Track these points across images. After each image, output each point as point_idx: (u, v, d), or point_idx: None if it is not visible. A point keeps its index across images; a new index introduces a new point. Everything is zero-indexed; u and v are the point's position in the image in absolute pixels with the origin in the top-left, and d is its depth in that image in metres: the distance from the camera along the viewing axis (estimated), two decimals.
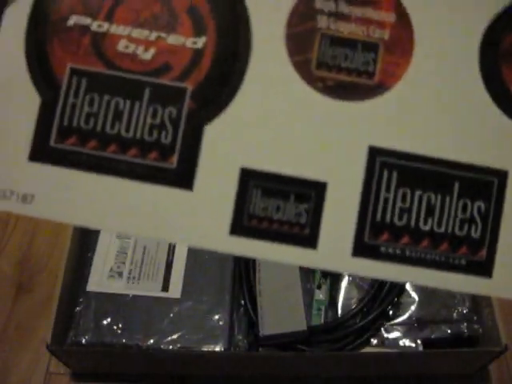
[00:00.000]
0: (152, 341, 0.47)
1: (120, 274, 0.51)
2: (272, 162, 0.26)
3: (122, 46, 0.27)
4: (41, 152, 0.27)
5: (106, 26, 0.27)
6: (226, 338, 0.47)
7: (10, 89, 0.28)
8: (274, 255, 0.26)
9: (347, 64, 0.26)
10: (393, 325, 0.48)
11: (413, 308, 0.49)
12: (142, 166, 0.27)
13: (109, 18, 0.27)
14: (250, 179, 0.26)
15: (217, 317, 0.48)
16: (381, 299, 0.48)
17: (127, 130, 0.27)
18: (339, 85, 0.26)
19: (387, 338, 0.48)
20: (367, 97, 0.26)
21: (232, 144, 0.27)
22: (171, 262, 0.51)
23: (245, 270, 0.51)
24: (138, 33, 0.27)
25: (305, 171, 0.26)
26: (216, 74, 0.27)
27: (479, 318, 0.48)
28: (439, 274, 0.25)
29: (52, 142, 0.27)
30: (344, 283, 0.50)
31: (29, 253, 0.59)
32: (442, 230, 0.25)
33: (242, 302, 0.50)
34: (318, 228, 0.26)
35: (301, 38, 0.26)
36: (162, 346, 0.47)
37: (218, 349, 0.47)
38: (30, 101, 0.27)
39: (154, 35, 0.27)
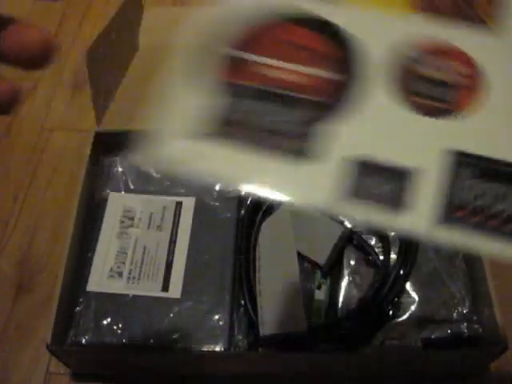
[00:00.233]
0: (152, 341, 0.47)
1: (120, 274, 0.51)
2: None
3: None
4: None
5: None
6: (225, 338, 0.48)
7: None
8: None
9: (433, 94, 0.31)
10: (393, 325, 0.48)
11: (413, 308, 0.49)
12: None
13: None
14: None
15: (217, 317, 0.48)
16: (381, 299, 0.48)
17: None
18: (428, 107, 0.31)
19: (387, 338, 0.48)
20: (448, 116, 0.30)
21: None
22: (171, 261, 0.51)
23: (245, 270, 0.51)
24: None
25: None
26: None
27: (479, 318, 0.48)
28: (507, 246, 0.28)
29: None
30: (344, 283, 0.50)
31: (29, 253, 0.59)
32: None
33: (242, 302, 0.50)
34: None
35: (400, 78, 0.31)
36: (162, 346, 0.47)
37: (218, 349, 0.47)
38: None
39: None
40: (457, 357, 0.47)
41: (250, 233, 0.52)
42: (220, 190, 0.55)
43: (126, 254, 0.52)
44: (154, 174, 0.56)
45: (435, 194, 0.28)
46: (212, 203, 0.54)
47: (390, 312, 0.48)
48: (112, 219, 0.54)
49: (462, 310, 0.48)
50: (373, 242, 0.52)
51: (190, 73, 0.32)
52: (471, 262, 0.51)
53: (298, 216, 0.52)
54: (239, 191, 0.55)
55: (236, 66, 0.31)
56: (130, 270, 0.51)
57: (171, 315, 0.49)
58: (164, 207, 0.54)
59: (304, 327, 0.46)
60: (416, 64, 0.31)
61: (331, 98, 0.30)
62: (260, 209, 0.53)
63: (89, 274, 0.51)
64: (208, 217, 0.54)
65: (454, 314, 0.48)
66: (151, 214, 0.54)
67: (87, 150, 0.55)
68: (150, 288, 0.50)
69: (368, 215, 0.28)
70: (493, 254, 0.28)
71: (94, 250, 0.52)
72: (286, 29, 0.32)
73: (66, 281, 0.49)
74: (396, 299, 0.49)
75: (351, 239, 0.52)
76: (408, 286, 0.50)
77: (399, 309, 0.49)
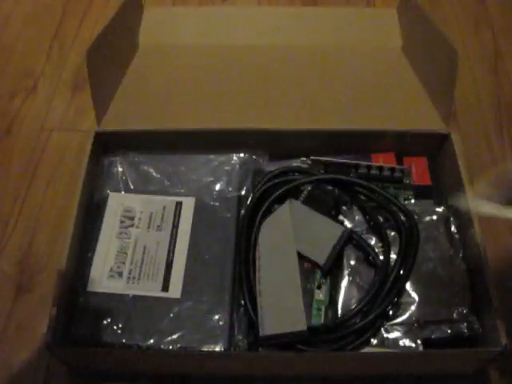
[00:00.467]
0: (152, 341, 0.47)
1: (120, 274, 0.51)
2: None
3: None
4: None
5: None
6: (226, 338, 0.47)
7: None
8: None
9: None
10: (393, 325, 0.48)
11: (413, 308, 0.49)
12: None
13: None
14: None
15: (217, 317, 0.48)
16: (381, 299, 0.48)
17: None
18: None
19: (387, 338, 0.48)
20: None
21: None
22: (171, 261, 0.51)
23: (245, 269, 0.51)
24: None
25: None
26: None
27: (479, 318, 0.48)
28: None
29: None
30: (344, 283, 0.50)
31: (29, 253, 0.59)
32: None
33: (242, 302, 0.50)
34: None
35: None
36: (161, 346, 0.47)
37: (218, 349, 0.47)
38: None
39: None
40: (457, 357, 0.47)
41: (249, 233, 0.52)
42: (220, 190, 0.55)
43: (126, 254, 0.52)
44: (154, 174, 0.56)
45: None
46: (212, 203, 0.54)
47: (390, 312, 0.49)
48: (112, 219, 0.54)
49: (462, 310, 0.48)
50: (373, 242, 0.52)
51: None
52: (471, 262, 0.51)
53: (298, 216, 0.52)
54: (239, 191, 0.55)
55: None
56: (130, 270, 0.51)
57: (171, 315, 0.49)
58: (164, 207, 0.54)
59: (304, 327, 0.46)
60: None
61: None
62: (260, 209, 0.53)
63: (89, 273, 0.51)
64: (208, 217, 0.54)
65: (454, 314, 0.48)
66: (151, 214, 0.54)
67: (87, 150, 0.55)
68: (150, 288, 0.50)
69: None
70: None
71: (93, 250, 0.52)
72: None
73: (66, 281, 0.49)
74: (396, 299, 0.49)
75: (351, 239, 0.52)
76: (408, 286, 0.50)
77: (399, 309, 0.49)
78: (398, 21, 0.67)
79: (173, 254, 0.52)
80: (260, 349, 0.48)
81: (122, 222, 0.54)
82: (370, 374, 0.51)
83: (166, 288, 0.50)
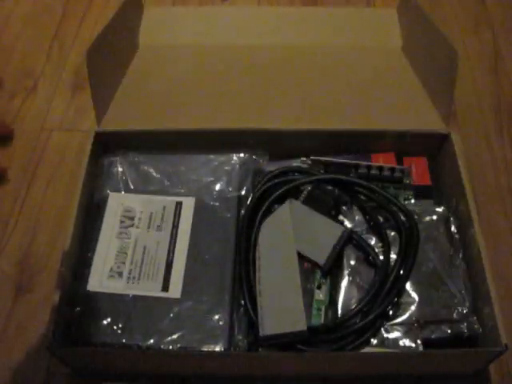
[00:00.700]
0: (152, 341, 0.47)
1: (120, 274, 0.51)
2: None
3: None
4: None
5: None
6: (226, 338, 0.47)
7: None
8: None
9: None
10: (393, 325, 0.48)
11: (413, 308, 0.49)
12: None
13: None
14: None
15: (217, 317, 0.48)
16: (381, 299, 0.48)
17: None
18: None
19: (387, 338, 0.48)
20: None
21: None
22: (171, 261, 0.51)
23: (245, 270, 0.51)
24: None
25: None
26: None
27: (479, 318, 0.48)
28: None
29: None
30: (344, 283, 0.50)
31: (29, 253, 0.59)
32: None
33: (242, 302, 0.50)
34: None
35: None
36: (161, 346, 0.47)
37: (218, 349, 0.47)
38: None
39: None
40: (457, 357, 0.47)
41: (249, 233, 0.52)
42: (220, 190, 0.55)
43: (126, 253, 0.52)
44: (154, 174, 0.56)
45: None
46: (212, 203, 0.54)
47: (390, 312, 0.49)
48: (112, 219, 0.54)
49: (462, 310, 0.48)
50: (373, 242, 0.52)
51: None
52: (471, 262, 0.51)
53: (298, 216, 0.52)
54: (239, 191, 0.55)
55: None
56: (130, 270, 0.51)
57: (171, 315, 0.49)
58: (164, 207, 0.54)
59: (304, 327, 0.46)
60: None
61: None
62: (260, 209, 0.53)
63: (89, 273, 0.51)
64: (208, 217, 0.54)
65: (454, 314, 0.48)
66: (151, 214, 0.54)
67: (87, 150, 0.55)
68: (150, 288, 0.50)
69: None
70: None
71: (94, 250, 0.52)
72: None
73: (66, 281, 0.49)
74: (396, 299, 0.49)
75: (351, 239, 0.52)
76: (408, 286, 0.50)
77: (399, 309, 0.49)
78: (398, 21, 0.67)
79: (173, 254, 0.52)
80: (260, 349, 0.48)
81: (122, 221, 0.54)
82: (370, 374, 0.51)
83: (166, 288, 0.50)
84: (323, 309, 0.49)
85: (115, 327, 0.48)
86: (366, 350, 0.47)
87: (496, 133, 0.67)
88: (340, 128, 0.58)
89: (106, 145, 0.58)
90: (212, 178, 0.56)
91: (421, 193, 0.57)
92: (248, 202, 0.54)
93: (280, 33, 0.67)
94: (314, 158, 0.58)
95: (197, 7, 0.81)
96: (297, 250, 0.50)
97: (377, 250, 0.51)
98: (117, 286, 0.50)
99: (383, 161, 0.58)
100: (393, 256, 0.51)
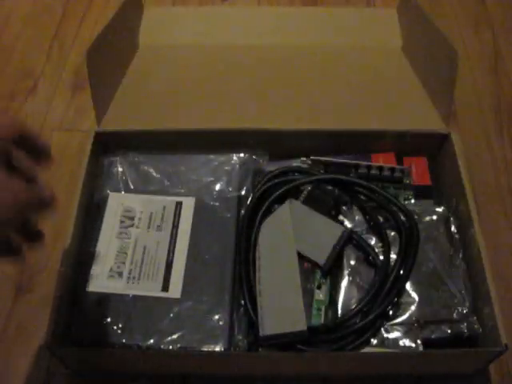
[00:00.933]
0: (152, 341, 0.47)
1: (120, 274, 0.51)
2: None
3: None
4: None
5: None
6: (226, 338, 0.47)
7: None
8: None
9: None
10: (393, 325, 0.48)
11: (413, 308, 0.49)
12: None
13: None
14: None
15: (217, 317, 0.48)
16: (381, 299, 0.48)
17: None
18: None
19: (387, 338, 0.48)
20: None
21: None
22: (171, 261, 0.51)
23: (245, 270, 0.51)
24: None
25: None
26: None
27: (479, 318, 0.48)
28: None
29: None
30: (344, 283, 0.50)
31: (29, 253, 0.58)
32: None
33: (242, 302, 0.50)
34: None
35: None
36: (161, 346, 0.47)
37: (218, 349, 0.47)
38: None
39: None
40: (457, 357, 0.47)
41: (249, 233, 0.52)
42: (220, 190, 0.55)
43: (126, 253, 0.52)
44: (154, 174, 0.56)
45: None
46: (212, 203, 0.54)
47: (390, 312, 0.49)
48: (112, 219, 0.54)
49: (462, 310, 0.48)
50: (373, 242, 0.52)
51: None
52: (471, 262, 0.51)
53: (298, 216, 0.52)
54: (239, 191, 0.55)
55: None
56: (130, 270, 0.51)
57: (171, 315, 0.49)
58: (164, 207, 0.54)
59: (304, 327, 0.46)
60: None
61: None
62: (260, 209, 0.53)
63: (89, 274, 0.51)
64: (208, 217, 0.54)
65: (454, 314, 0.48)
66: (151, 213, 0.54)
67: (87, 150, 0.55)
68: (150, 288, 0.50)
69: None
70: None
71: (94, 250, 0.52)
72: None
73: (66, 281, 0.49)
74: (396, 299, 0.49)
75: (351, 239, 0.52)
76: (408, 286, 0.50)
77: (399, 309, 0.49)
78: (398, 21, 0.67)
79: (173, 254, 0.52)
80: (260, 349, 0.48)
81: (122, 221, 0.54)
82: (370, 374, 0.51)
83: (166, 288, 0.50)
84: (323, 309, 0.49)
85: (115, 327, 0.48)
86: (366, 349, 0.47)
87: (496, 133, 0.67)
88: (340, 128, 0.58)
89: (106, 145, 0.58)
90: (212, 178, 0.56)
91: (421, 193, 0.57)
92: (248, 202, 0.54)
93: (280, 33, 0.67)
94: (314, 158, 0.58)
95: (197, 7, 0.81)
96: (297, 250, 0.50)
97: (377, 250, 0.51)
98: (117, 286, 0.50)
99: (383, 161, 0.58)
100: (393, 256, 0.51)
